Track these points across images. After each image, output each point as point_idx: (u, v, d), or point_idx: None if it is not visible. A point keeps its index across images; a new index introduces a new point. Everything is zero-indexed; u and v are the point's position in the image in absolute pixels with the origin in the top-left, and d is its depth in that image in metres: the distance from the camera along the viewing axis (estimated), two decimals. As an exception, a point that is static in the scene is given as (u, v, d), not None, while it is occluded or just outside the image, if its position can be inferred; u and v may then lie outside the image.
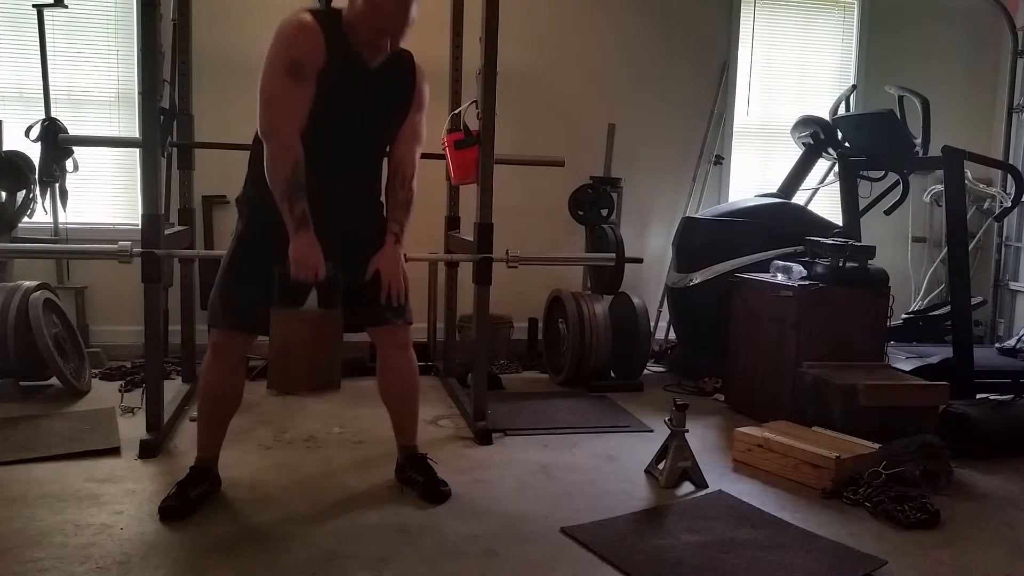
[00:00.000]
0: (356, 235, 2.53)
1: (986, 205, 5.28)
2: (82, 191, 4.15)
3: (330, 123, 2.40)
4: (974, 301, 4.15)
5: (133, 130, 4.20)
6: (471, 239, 3.34)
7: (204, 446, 2.61)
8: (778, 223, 4.28)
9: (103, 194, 4.39)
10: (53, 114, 3.94)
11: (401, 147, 2.57)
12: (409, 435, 2.76)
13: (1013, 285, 5.32)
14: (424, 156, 2.75)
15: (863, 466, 2.81)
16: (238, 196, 2.58)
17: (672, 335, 4.80)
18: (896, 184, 4.46)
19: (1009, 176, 4.75)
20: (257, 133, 2.40)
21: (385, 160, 2.62)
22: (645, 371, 4.36)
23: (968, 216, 4.33)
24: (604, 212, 4.40)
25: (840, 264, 3.55)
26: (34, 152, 3.85)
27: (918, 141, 4.19)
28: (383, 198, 2.61)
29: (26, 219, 3.97)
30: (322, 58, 2.32)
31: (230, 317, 2.47)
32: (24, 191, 3.91)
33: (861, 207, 4.54)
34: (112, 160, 4.38)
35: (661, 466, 2.88)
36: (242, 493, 2.62)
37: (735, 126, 5.12)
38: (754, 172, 5.17)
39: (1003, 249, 5.38)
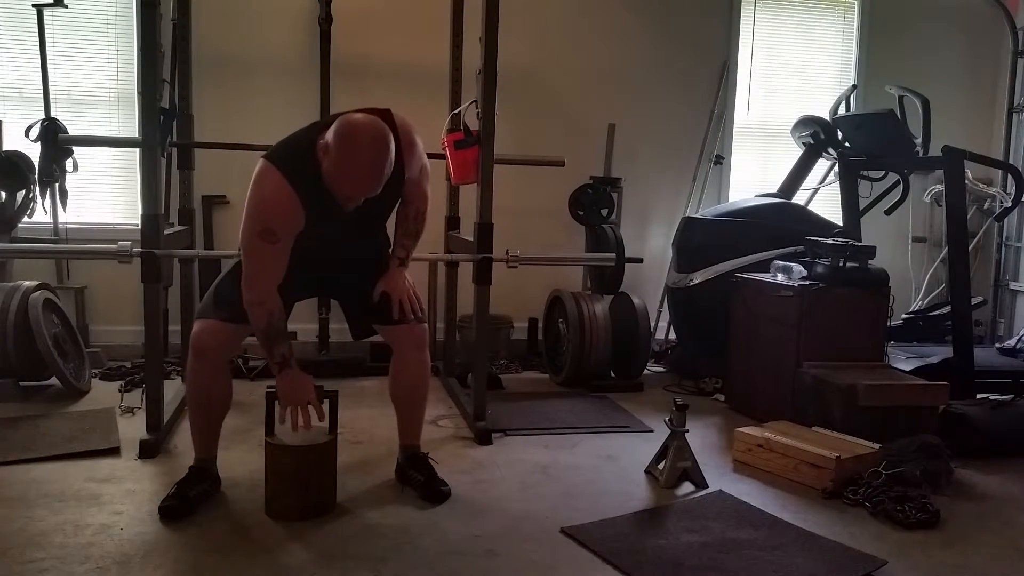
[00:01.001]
0: (360, 265, 2.62)
1: (986, 205, 5.28)
2: (82, 191, 4.14)
3: (325, 244, 2.44)
4: (974, 301, 4.15)
5: (133, 130, 4.20)
6: (471, 239, 3.34)
7: (199, 449, 2.61)
8: (778, 223, 4.28)
9: (103, 194, 4.38)
10: (53, 114, 3.94)
11: (412, 189, 2.60)
12: (413, 435, 2.76)
13: (1013, 285, 5.31)
14: (424, 156, 2.75)
15: (863, 466, 2.81)
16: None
17: (672, 335, 4.80)
18: (896, 184, 4.46)
19: (1009, 176, 4.76)
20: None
21: None
22: (645, 371, 4.36)
23: (968, 216, 4.33)
24: (604, 212, 4.40)
25: (840, 264, 3.54)
26: (34, 152, 3.85)
27: (918, 141, 4.18)
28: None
29: (26, 219, 3.96)
30: (299, 223, 2.32)
31: (221, 309, 2.47)
32: (24, 191, 3.90)
33: (861, 207, 4.54)
34: (112, 160, 4.38)
35: (661, 466, 2.88)
36: (242, 493, 2.61)
37: (735, 126, 5.12)
38: (754, 172, 5.16)
39: (1003, 249, 5.38)
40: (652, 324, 4.60)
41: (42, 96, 4.04)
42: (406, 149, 2.43)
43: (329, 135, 2.25)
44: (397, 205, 2.62)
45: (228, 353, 2.60)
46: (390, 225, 2.69)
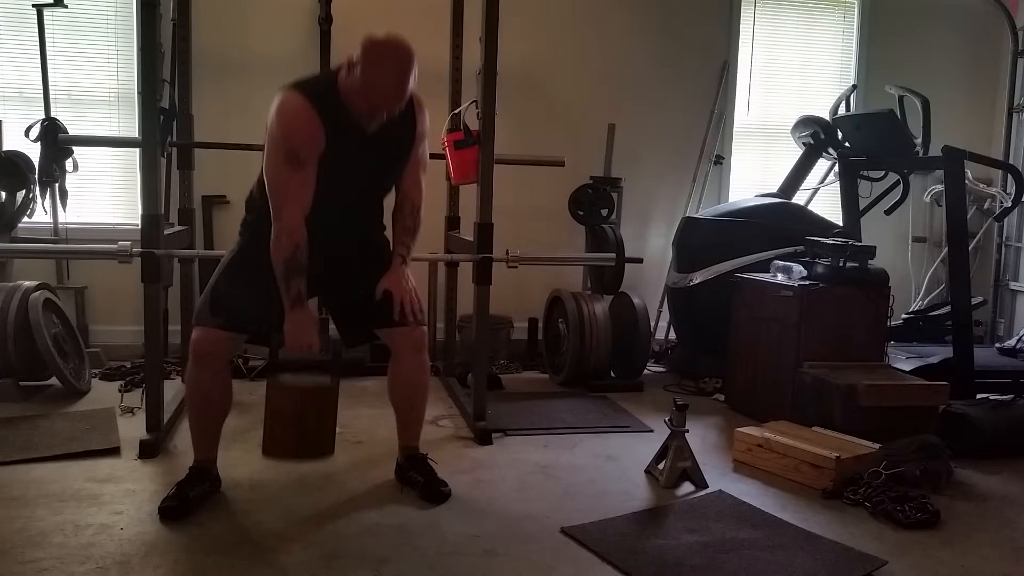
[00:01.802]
0: (361, 258, 2.60)
1: (986, 205, 5.27)
2: (82, 191, 4.14)
3: (334, 186, 2.43)
4: (974, 301, 4.15)
5: (133, 130, 4.20)
6: (471, 239, 3.34)
7: (200, 450, 2.61)
8: (778, 223, 4.28)
9: (103, 194, 4.39)
10: (53, 114, 3.94)
11: (408, 177, 2.61)
12: (412, 436, 2.76)
13: (1013, 285, 5.31)
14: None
15: (863, 466, 2.80)
16: (243, 219, 2.61)
17: (672, 335, 4.80)
18: (896, 184, 4.46)
19: (1009, 176, 4.75)
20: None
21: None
22: (645, 371, 4.36)
23: (968, 216, 4.33)
24: (604, 212, 4.40)
25: (840, 264, 3.54)
26: (34, 152, 3.85)
27: (918, 141, 4.19)
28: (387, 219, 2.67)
29: (26, 219, 3.96)
30: (321, 142, 2.34)
31: (218, 315, 2.47)
32: (24, 191, 3.91)
33: (861, 207, 4.54)
34: (112, 160, 4.38)
35: (661, 466, 2.88)
36: (242, 493, 2.61)
37: (735, 126, 5.12)
38: (754, 172, 5.16)
39: (1003, 249, 5.38)
40: (652, 324, 4.60)
41: (42, 96, 4.04)
42: (418, 109, 2.52)
43: (354, 53, 2.32)
44: (402, 179, 2.61)
45: (228, 357, 2.60)
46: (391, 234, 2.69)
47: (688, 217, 4.56)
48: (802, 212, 4.58)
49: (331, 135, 2.35)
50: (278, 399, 2.45)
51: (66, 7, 4.08)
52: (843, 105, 4.73)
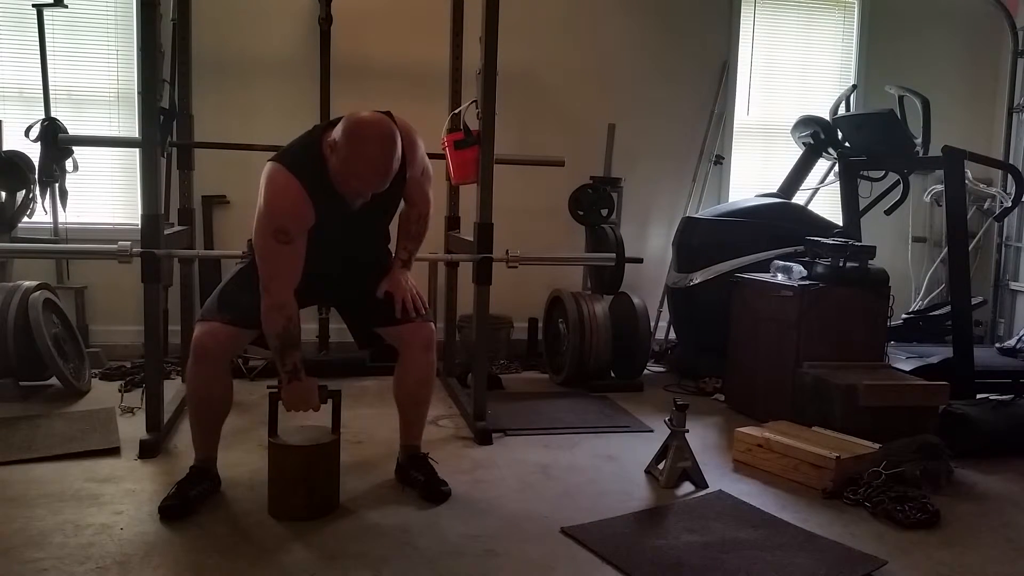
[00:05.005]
0: (367, 264, 2.64)
1: (986, 205, 5.28)
2: (82, 191, 4.15)
3: (329, 246, 2.45)
4: (974, 301, 4.15)
5: (133, 130, 4.20)
6: (471, 239, 3.34)
7: (200, 449, 2.61)
8: (778, 223, 4.28)
9: (103, 194, 4.38)
10: (53, 114, 3.94)
11: (414, 191, 2.63)
12: (415, 435, 2.76)
13: (1013, 285, 5.31)
14: (424, 156, 2.75)
15: (863, 466, 2.80)
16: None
17: (672, 335, 4.80)
18: (896, 184, 4.46)
19: (1009, 176, 4.75)
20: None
21: None
22: (645, 371, 4.36)
23: (968, 216, 4.32)
24: (604, 212, 4.40)
25: (840, 264, 3.54)
26: (34, 152, 3.85)
27: (918, 141, 4.18)
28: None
29: (26, 219, 3.97)
30: (310, 219, 2.34)
31: (225, 311, 2.48)
32: (24, 191, 3.91)
33: (861, 207, 4.54)
34: (112, 160, 4.38)
35: (661, 466, 2.88)
36: (242, 493, 2.61)
37: (735, 126, 5.12)
38: (754, 172, 5.16)
39: (1003, 249, 5.38)
40: (652, 324, 4.60)
41: (42, 96, 4.03)
42: (408, 149, 2.46)
43: (336, 133, 2.30)
44: (400, 208, 2.64)
45: (229, 356, 2.60)
46: (393, 232, 2.71)
47: (688, 217, 4.56)
48: (802, 212, 4.58)
49: (320, 210, 2.34)
50: (283, 462, 2.45)
51: (66, 7, 4.08)
52: (843, 105, 4.73)
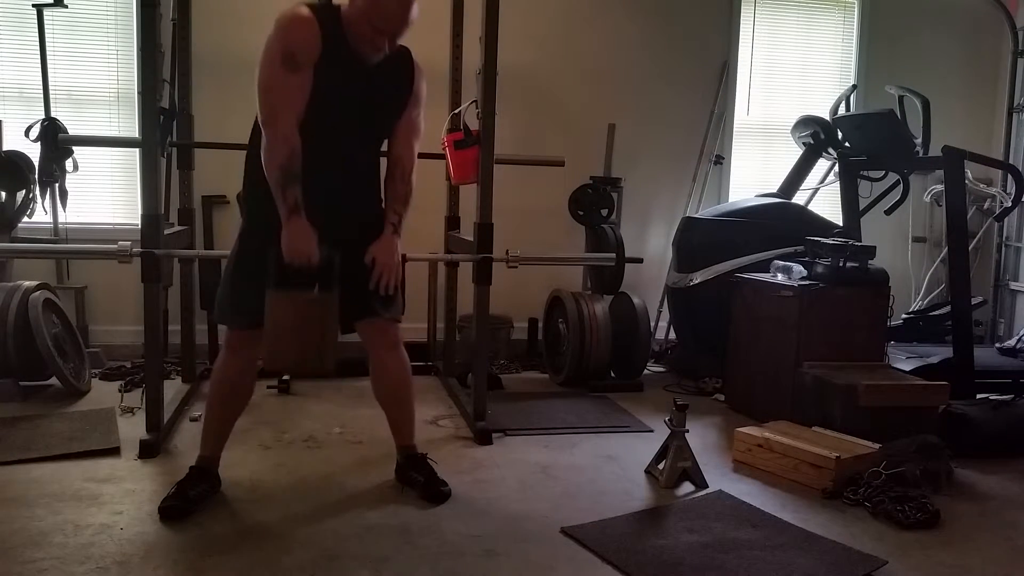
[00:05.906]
0: (355, 218, 2.54)
1: (986, 205, 5.27)
2: (82, 191, 4.14)
3: (327, 114, 2.41)
4: (974, 301, 4.15)
5: (133, 130, 4.20)
6: (471, 239, 3.34)
7: (208, 445, 2.61)
8: (778, 223, 4.28)
9: (103, 194, 4.38)
10: (53, 114, 3.94)
11: (400, 142, 2.59)
12: (406, 435, 2.76)
13: (1013, 285, 5.31)
14: (424, 156, 2.75)
15: (863, 466, 2.80)
16: (238, 194, 2.59)
17: (672, 335, 4.80)
18: (896, 184, 4.46)
19: (1009, 176, 4.75)
20: (253, 131, 2.42)
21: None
22: (645, 371, 4.36)
23: (968, 216, 4.33)
24: (604, 212, 4.40)
25: (840, 264, 3.54)
26: (34, 152, 3.85)
27: (918, 141, 4.18)
28: (381, 190, 2.61)
29: (26, 219, 3.97)
30: (317, 48, 2.33)
31: (243, 316, 2.48)
32: (24, 191, 3.91)
33: (861, 207, 4.54)
34: (112, 160, 4.38)
35: (661, 466, 2.88)
36: (242, 493, 2.62)
37: (735, 126, 5.12)
38: (754, 172, 5.16)
39: (1003, 249, 5.38)
40: (652, 324, 4.60)
41: (42, 96, 4.03)
42: (417, 70, 2.55)
43: None
44: (394, 143, 2.58)
45: (257, 352, 2.56)
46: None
47: (688, 217, 4.56)
48: (802, 212, 4.58)
49: (328, 49, 2.34)
50: (278, 310, 2.40)
51: (66, 7, 4.08)
52: (843, 105, 4.73)
